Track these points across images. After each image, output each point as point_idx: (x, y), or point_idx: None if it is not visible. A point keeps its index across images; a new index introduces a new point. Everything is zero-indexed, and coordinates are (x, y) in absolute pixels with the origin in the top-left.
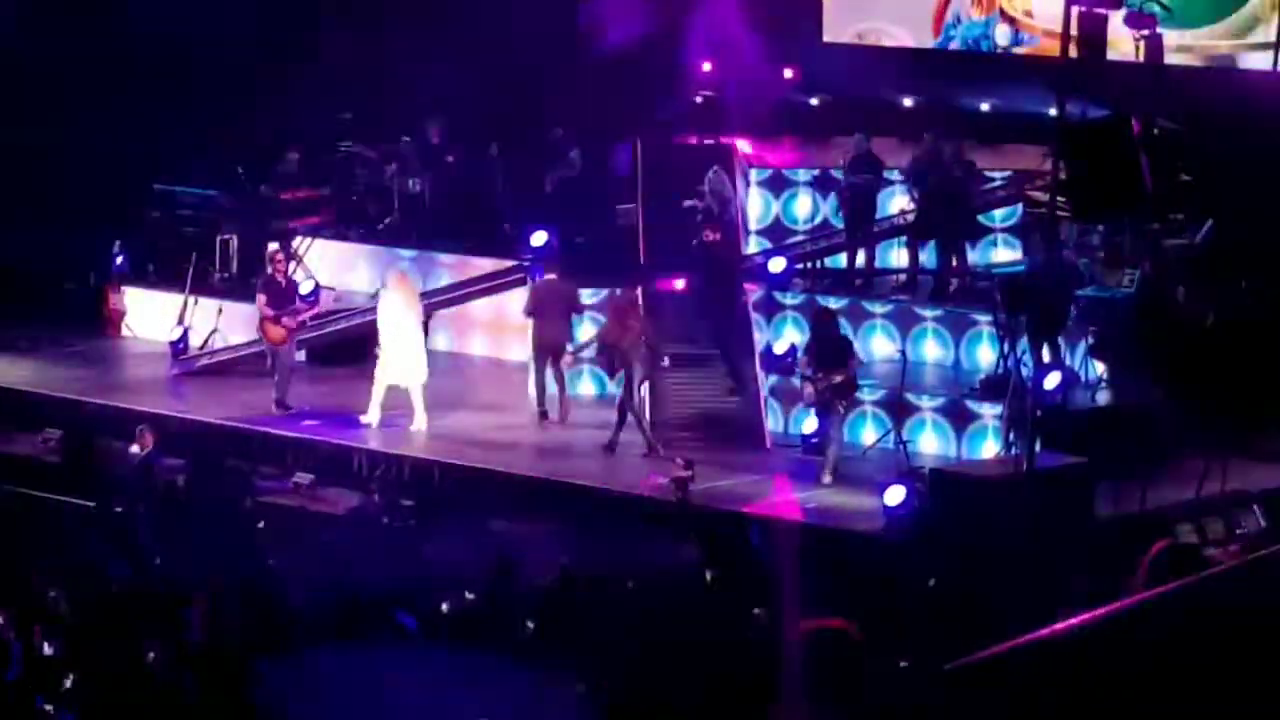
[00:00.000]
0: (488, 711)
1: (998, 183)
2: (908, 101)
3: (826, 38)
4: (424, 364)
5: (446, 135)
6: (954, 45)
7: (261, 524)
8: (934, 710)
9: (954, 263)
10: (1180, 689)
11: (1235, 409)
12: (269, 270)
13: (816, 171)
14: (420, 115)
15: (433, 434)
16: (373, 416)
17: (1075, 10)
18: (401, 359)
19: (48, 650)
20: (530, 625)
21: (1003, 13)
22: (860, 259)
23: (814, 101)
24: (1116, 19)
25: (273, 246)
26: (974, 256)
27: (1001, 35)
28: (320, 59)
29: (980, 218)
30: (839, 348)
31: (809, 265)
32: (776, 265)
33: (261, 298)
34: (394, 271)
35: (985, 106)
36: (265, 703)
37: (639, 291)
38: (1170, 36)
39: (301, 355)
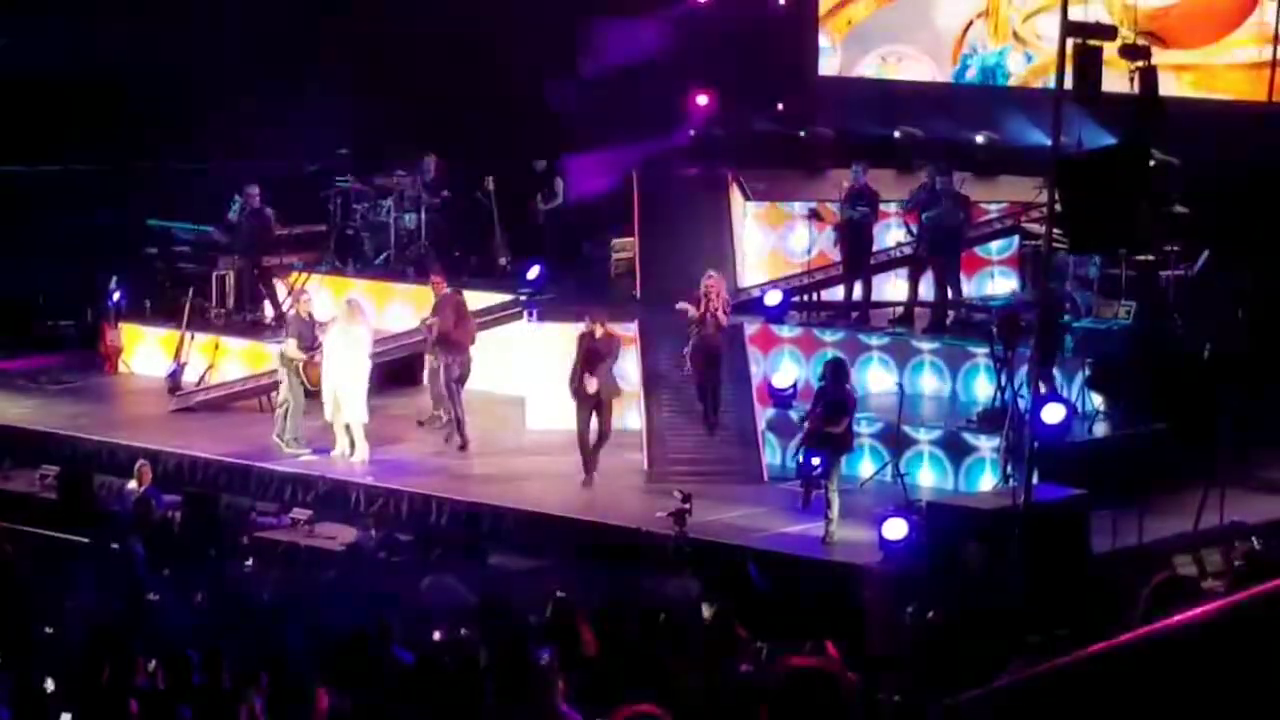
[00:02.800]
0: None
1: (993, 215)
2: (897, 134)
3: (836, 68)
4: (363, 405)
5: (442, 170)
6: (970, 74)
7: (256, 560)
8: None
9: (949, 295)
10: None
11: (1233, 440)
12: (293, 310)
13: (813, 204)
14: (415, 150)
15: (430, 469)
16: (342, 446)
17: (1070, 42)
18: (341, 394)
19: (48, 686)
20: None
21: (1016, 36)
22: (857, 292)
23: (802, 134)
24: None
25: (298, 287)
26: (970, 289)
27: (1015, 63)
28: (316, 94)
29: (977, 250)
30: (841, 402)
31: (805, 298)
32: (773, 299)
33: (291, 341)
34: (345, 303)
35: (979, 139)
36: None
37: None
38: (1166, 56)
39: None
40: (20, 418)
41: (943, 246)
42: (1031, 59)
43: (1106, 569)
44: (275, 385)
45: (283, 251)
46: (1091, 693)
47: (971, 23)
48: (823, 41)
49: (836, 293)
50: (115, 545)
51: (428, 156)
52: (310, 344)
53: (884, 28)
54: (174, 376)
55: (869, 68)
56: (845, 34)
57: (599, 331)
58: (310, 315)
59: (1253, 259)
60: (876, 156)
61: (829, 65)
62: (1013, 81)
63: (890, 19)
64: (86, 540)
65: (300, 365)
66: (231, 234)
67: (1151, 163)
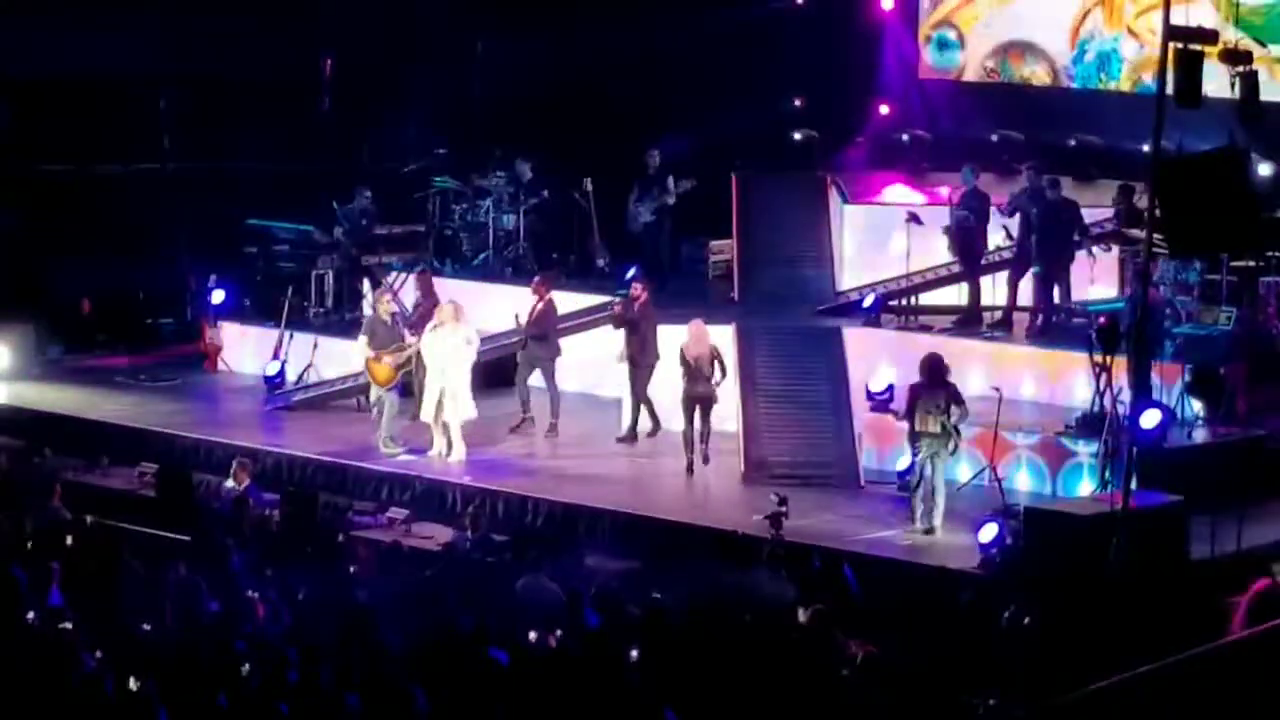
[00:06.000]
0: None
1: (1097, 218)
2: (995, 137)
3: (960, 63)
4: (470, 402)
5: (539, 170)
6: (1088, 58)
7: (355, 561)
8: None
9: (1055, 298)
10: None
11: None
12: (373, 311)
13: (912, 207)
14: (513, 150)
15: (526, 469)
16: (440, 445)
17: (1172, 46)
18: (448, 394)
19: (138, 685)
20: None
21: (1129, 29)
22: (962, 295)
23: (905, 138)
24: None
25: (380, 289)
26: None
27: (1129, 49)
28: (414, 93)
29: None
30: (947, 395)
31: (905, 301)
32: (869, 302)
33: (363, 338)
34: (448, 305)
35: (1078, 142)
36: None
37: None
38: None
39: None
40: (119, 414)
41: (1048, 251)
42: (1144, 50)
43: (1205, 575)
44: (369, 386)
45: (382, 251)
46: (1188, 697)
47: (1090, 10)
48: (950, 35)
49: (936, 296)
50: (213, 544)
51: (521, 161)
52: (384, 344)
53: (1008, 20)
54: (278, 378)
55: (992, 60)
56: (971, 28)
57: (642, 299)
58: (392, 316)
59: None
60: (977, 159)
61: (954, 61)
62: (1125, 70)
63: (1015, 11)
64: (186, 539)
65: (365, 364)
66: (340, 232)
67: (1264, 169)
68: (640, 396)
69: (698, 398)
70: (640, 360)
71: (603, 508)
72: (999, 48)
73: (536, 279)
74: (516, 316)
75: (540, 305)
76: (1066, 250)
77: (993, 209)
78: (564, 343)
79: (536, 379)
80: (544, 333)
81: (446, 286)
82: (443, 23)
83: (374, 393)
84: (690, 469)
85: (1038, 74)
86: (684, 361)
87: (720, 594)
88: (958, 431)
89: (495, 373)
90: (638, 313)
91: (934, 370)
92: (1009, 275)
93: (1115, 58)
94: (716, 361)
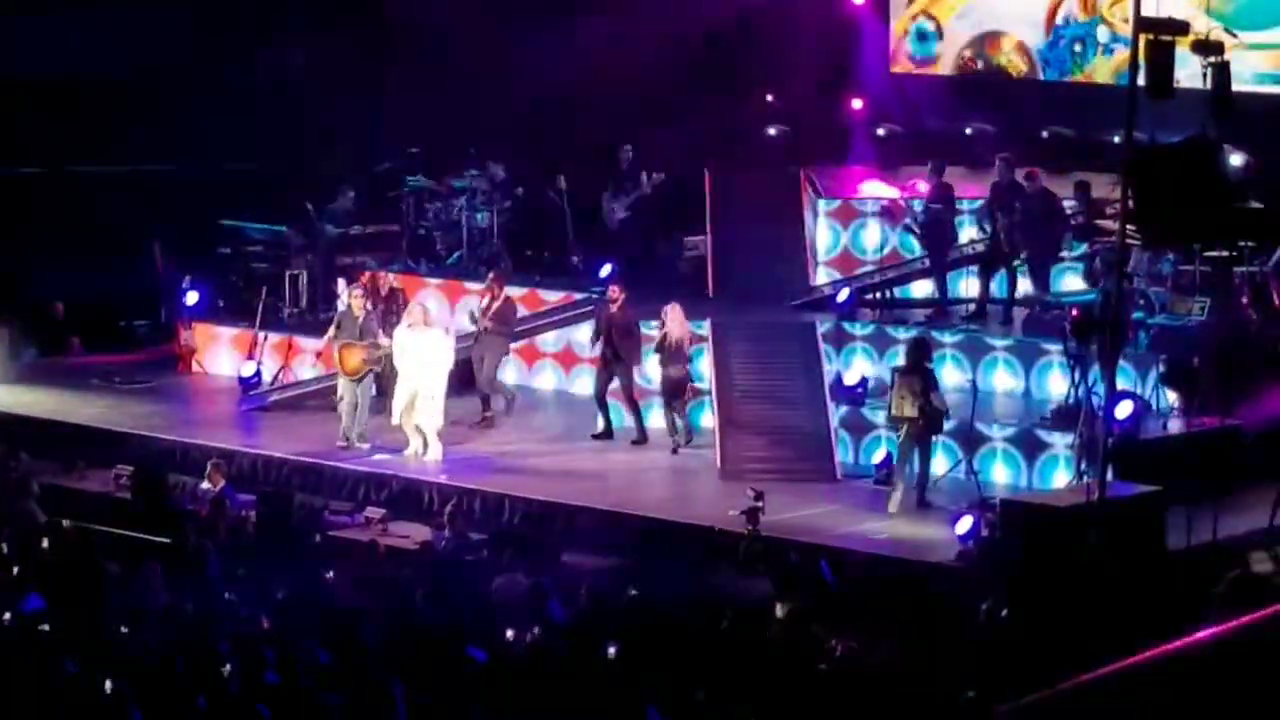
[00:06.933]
0: None
1: (1072, 209)
2: (969, 130)
3: (935, 53)
4: (440, 410)
5: (513, 168)
6: (1063, 43)
7: (330, 559)
8: None
9: (1032, 290)
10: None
11: None
12: (344, 306)
13: (885, 201)
14: (487, 148)
15: (503, 468)
16: (416, 445)
17: (1143, 37)
18: (420, 397)
19: (115, 687)
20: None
21: (1103, 18)
22: (930, 288)
23: (881, 132)
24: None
25: (353, 282)
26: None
27: (1103, 34)
28: (387, 93)
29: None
30: (926, 380)
31: (879, 295)
32: (843, 296)
33: (331, 330)
34: (417, 306)
35: (1051, 134)
36: None
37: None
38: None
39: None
40: (95, 417)
41: (1032, 242)
42: (1118, 38)
43: (1182, 566)
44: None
45: (356, 251)
46: (1165, 692)
47: None
48: (928, 26)
49: (909, 290)
50: (189, 546)
51: (494, 161)
52: (350, 338)
53: (984, 10)
54: (254, 379)
55: (969, 50)
56: (949, 19)
57: (620, 300)
58: (367, 310)
59: None
60: (950, 152)
61: (932, 52)
62: (1099, 55)
63: (991, 1)
64: (164, 540)
65: (339, 348)
66: (313, 232)
67: (1236, 159)
68: (627, 401)
69: (672, 380)
70: (620, 364)
71: (580, 505)
72: (976, 38)
73: (490, 276)
74: (472, 314)
75: (498, 303)
76: (1050, 241)
77: (974, 203)
78: (539, 340)
79: (504, 375)
80: (501, 330)
81: (421, 285)
82: (417, 21)
83: (340, 388)
84: (675, 450)
85: (1015, 63)
86: (660, 347)
87: (697, 590)
88: (937, 411)
89: (466, 372)
90: (615, 314)
91: (916, 353)
92: (980, 268)
93: (1091, 42)
94: (689, 345)
